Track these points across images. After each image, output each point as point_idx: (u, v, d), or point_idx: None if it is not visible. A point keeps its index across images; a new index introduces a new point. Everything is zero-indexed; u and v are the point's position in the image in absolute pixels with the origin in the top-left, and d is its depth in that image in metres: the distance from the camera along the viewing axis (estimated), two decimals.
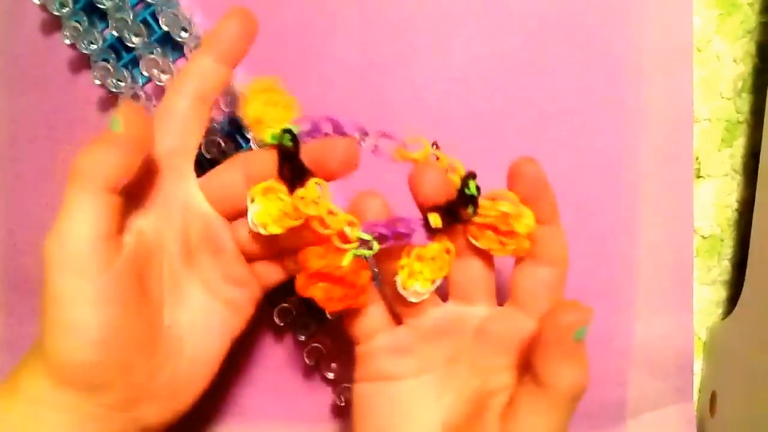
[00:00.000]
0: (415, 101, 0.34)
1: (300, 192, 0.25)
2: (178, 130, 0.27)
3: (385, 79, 0.34)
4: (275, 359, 0.36)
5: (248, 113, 0.27)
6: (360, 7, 0.34)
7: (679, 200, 0.34)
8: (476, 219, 0.25)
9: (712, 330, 0.36)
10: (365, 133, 0.27)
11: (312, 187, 0.25)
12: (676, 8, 0.33)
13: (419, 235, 0.26)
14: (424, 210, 0.26)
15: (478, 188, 0.26)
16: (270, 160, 0.27)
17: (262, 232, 0.26)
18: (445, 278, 0.27)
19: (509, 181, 0.26)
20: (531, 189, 0.26)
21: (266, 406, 0.36)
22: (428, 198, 0.25)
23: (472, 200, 0.25)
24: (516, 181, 0.26)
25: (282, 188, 0.26)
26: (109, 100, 0.35)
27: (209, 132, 0.33)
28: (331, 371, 0.34)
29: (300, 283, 0.26)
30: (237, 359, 0.36)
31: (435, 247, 0.26)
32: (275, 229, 0.26)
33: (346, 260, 0.25)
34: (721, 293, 0.36)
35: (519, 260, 0.27)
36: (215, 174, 0.28)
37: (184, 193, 0.27)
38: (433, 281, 0.26)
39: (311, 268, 0.25)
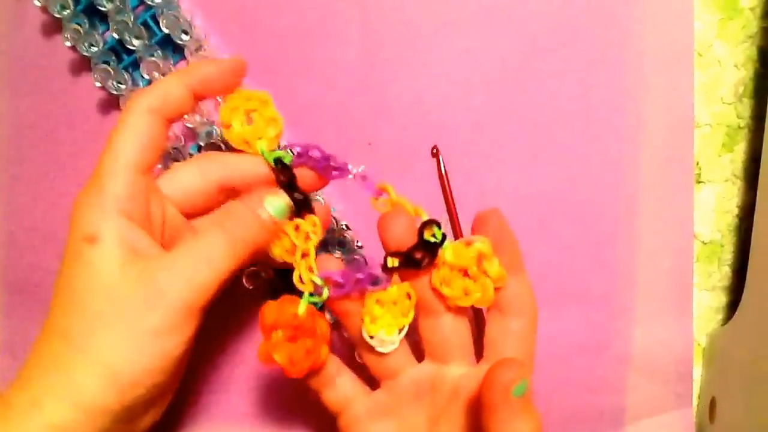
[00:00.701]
0: (414, 105, 0.34)
1: (297, 220, 0.27)
2: (137, 144, 0.27)
3: (386, 82, 0.34)
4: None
5: (231, 138, 0.28)
6: (361, 10, 0.34)
7: (679, 205, 0.34)
8: (449, 260, 0.26)
9: (712, 336, 0.36)
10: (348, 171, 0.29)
11: (309, 221, 0.27)
12: (677, 13, 0.32)
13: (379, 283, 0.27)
14: (386, 254, 0.26)
15: (443, 236, 0.26)
16: (254, 166, 0.28)
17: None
18: (420, 337, 0.27)
19: (474, 232, 0.27)
20: (496, 238, 0.26)
21: (265, 411, 0.36)
22: (391, 243, 0.26)
23: (429, 246, 0.26)
24: (481, 230, 0.26)
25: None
26: (110, 103, 0.35)
27: (209, 135, 0.34)
28: None
29: (261, 351, 0.27)
30: (237, 365, 0.36)
31: (394, 290, 0.26)
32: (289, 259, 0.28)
33: (302, 308, 0.26)
34: (721, 299, 0.36)
35: (489, 314, 0.27)
36: (180, 175, 0.29)
37: (160, 206, 0.28)
38: (400, 329, 0.27)
39: (268, 320, 0.26)
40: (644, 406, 0.35)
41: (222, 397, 0.36)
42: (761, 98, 0.34)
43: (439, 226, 0.26)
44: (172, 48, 0.34)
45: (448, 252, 0.26)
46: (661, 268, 0.34)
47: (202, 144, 0.34)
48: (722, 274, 0.36)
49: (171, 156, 0.34)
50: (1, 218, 0.37)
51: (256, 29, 0.34)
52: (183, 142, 0.34)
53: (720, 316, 0.36)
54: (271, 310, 0.26)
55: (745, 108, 0.35)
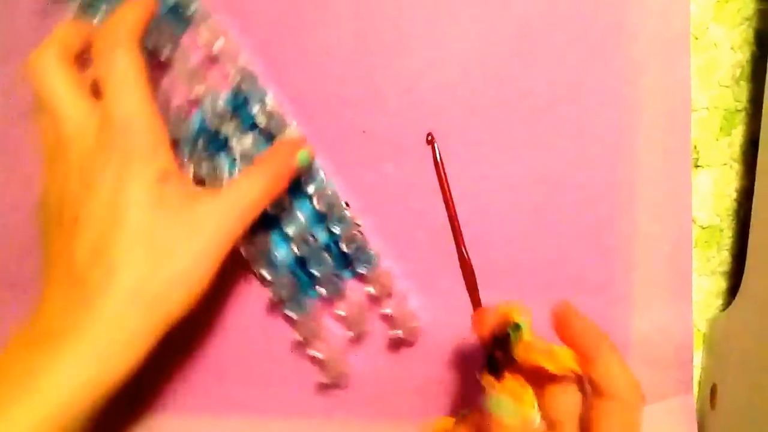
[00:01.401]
0: (409, 91, 0.34)
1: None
2: None
3: (379, 68, 0.34)
4: (266, 349, 0.35)
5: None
6: None
7: (677, 190, 0.33)
8: (521, 359, 0.27)
9: (712, 322, 0.35)
10: None
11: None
12: None
13: None
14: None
15: (512, 330, 0.27)
16: None
17: None
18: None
19: (558, 333, 0.28)
20: (580, 336, 0.27)
21: (256, 396, 0.36)
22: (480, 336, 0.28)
23: (500, 343, 0.27)
24: (564, 332, 0.28)
25: None
26: None
27: (214, 100, 0.33)
28: (320, 351, 0.34)
29: None
30: (228, 349, 0.35)
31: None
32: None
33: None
34: (720, 284, 0.36)
35: (590, 397, 0.27)
36: None
37: None
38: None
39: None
40: (645, 393, 0.35)
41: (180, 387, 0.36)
42: (758, 81, 0.34)
43: (516, 327, 0.27)
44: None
45: (520, 350, 0.27)
46: (659, 254, 0.34)
47: (205, 116, 0.33)
48: (721, 258, 0.35)
49: (174, 123, 0.33)
50: None
51: (250, 16, 0.34)
52: (187, 110, 0.34)
53: (720, 302, 0.36)
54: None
55: (742, 91, 0.34)
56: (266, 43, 0.34)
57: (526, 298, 0.34)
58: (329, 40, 0.34)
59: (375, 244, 0.34)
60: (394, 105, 0.34)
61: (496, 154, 0.34)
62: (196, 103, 0.34)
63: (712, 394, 0.34)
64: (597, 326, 0.27)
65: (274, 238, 0.34)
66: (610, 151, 0.33)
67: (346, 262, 0.34)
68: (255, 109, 0.33)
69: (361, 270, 0.34)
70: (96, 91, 0.29)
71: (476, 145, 0.34)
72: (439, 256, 0.34)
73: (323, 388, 0.35)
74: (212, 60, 0.34)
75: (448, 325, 0.34)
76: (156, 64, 0.34)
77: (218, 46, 0.34)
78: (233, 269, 0.35)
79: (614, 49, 0.33)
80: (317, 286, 0.34)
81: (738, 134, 0.35)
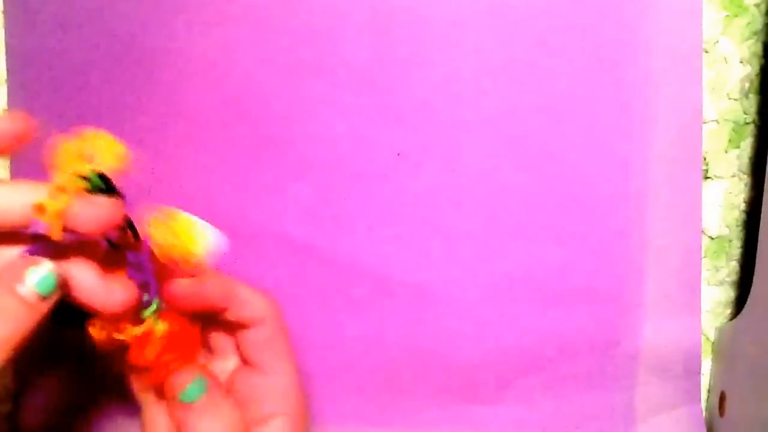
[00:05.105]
0: (423, 105, 0.34)
1: None
2: None
3: (393, 82, 0.34)
4: None
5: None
6: (371, 10, 0.34)
7: (688, 202, 0.34)
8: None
9: (721, 330, 0.36)
10: None
11: None
12: (686, 10, 0.33)
13: None
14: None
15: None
16: None
17: None
18: None
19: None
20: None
21: None
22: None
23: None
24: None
25: None
26: (132, 105, 0.35)
27: None
28: None
29: None
30: None
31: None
32: None
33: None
34: (729, 294, 0.36)
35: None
36: None
37: None
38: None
39: None
40: (654, 404, 0.35)
41: None
42: (767, 94, 0.34)
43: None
44: None
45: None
46: (669, 265, 0.34)
47: None
48: (730, 268, 0.36)
49: None
50: None
51: (267, 30, 0.34)
52: None
53: (728, 311, 0.36)
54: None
55: (751, 104, 0.35)
56: (282, 56, 0.34)
57: (538, 309, 0.34)
58: (345, 53, 0.34)
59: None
60: (408, 117, 0.34)
61: (509, 165, 0.34)
62: None
63: (721, 401, 0.35)
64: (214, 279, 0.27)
65: None
66: (622, 163, 0.34)
67: None
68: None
69: None
70: None
71: (490, 158, 0.34)
72: None
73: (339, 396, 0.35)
74: None
75: None
76: None
77: None
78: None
79: (627, 63, 0.33)
80: None
81: (747, 146, 0.35)
